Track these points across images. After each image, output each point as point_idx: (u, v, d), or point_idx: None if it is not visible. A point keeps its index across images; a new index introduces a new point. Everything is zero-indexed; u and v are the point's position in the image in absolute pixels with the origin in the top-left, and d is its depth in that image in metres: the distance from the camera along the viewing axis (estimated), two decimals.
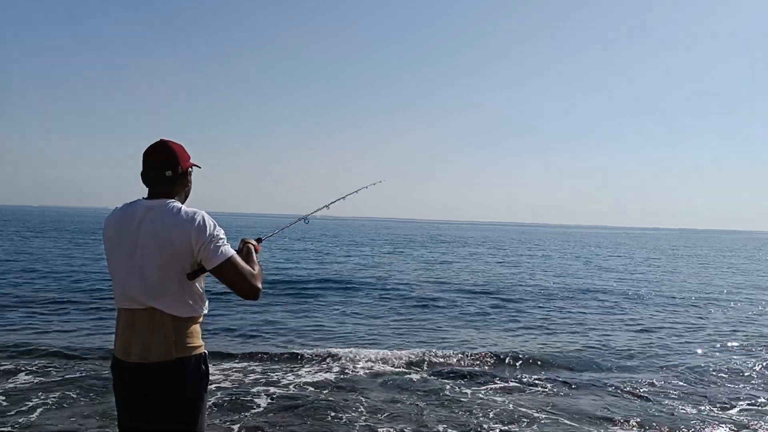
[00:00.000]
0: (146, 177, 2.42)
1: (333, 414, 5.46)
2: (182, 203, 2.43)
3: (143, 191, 2.46)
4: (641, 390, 6.61)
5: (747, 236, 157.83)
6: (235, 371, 6.89)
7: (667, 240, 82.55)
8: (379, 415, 5.43)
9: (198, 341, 2.39)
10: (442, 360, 7.80)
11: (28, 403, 5.53)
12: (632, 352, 8.75)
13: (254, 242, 2.65)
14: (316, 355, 7.72)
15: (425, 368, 7.38)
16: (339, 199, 3.85)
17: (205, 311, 2.43)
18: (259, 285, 2.38)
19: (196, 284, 2.38)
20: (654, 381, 7.02)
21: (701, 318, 12.29)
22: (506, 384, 6.72)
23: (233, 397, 5.84)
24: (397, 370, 7.26)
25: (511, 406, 5.91)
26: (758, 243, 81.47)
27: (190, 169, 2.51)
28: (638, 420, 5.56)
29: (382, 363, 7.50)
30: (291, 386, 6.34)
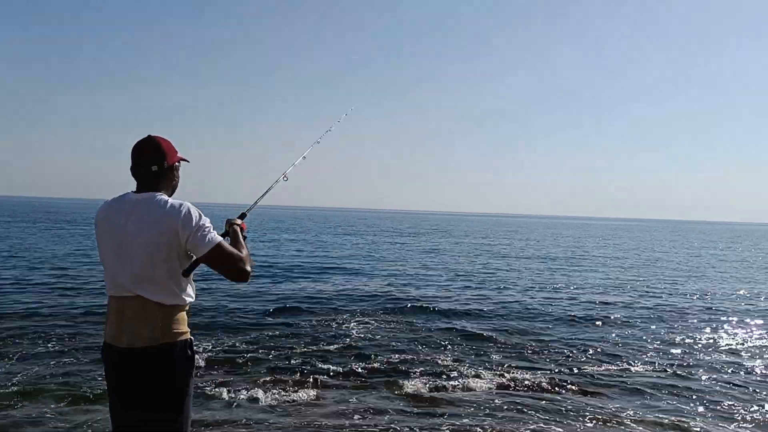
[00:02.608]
0: (134, 171, 2.53)
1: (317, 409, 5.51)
2: (169, 196, 2.54)
3: (132, 184, 2.58)
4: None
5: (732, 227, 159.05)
6: (221, 355, 7.00)
7: (655, 231, 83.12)
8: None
9: (184, 328, 2.50)
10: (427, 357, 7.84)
11: (25, 390, 5.67)
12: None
13: (239, 221, 2.73)
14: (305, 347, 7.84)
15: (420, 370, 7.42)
16: (314, 144, 3.72)
17: (192, 299, 2.54)
18: (248, 268, 2.47)
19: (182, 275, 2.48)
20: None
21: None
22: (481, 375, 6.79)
23: (217, 380, 6.00)
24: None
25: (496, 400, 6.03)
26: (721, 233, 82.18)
27: (177, 163, 2.61)
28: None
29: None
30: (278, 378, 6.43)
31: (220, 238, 2.46)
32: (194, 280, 2.58)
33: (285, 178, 3.40)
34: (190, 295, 2.53)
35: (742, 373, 7.20)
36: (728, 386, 6.58)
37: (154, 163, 2.50)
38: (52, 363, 6.58)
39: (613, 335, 9.26)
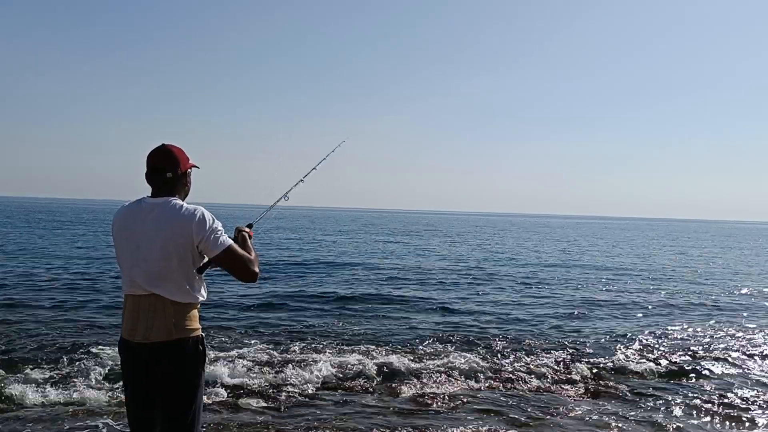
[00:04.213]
0: (150, 178, 2.69)
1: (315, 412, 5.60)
2: (183, 200, 2.70)
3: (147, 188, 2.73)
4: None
5: (724, 225, 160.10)
6: (216, 353, 7.10)
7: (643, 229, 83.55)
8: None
9: (196, 324, 2.67)
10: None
11: (39, 380, 5.88)
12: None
13: (247, 229, 2.92)
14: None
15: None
16: (311, 171, 3.89)
17: (204, 298, 2.70)
18: (257, 269, 2.67)
19: (196, 273, 2.64)
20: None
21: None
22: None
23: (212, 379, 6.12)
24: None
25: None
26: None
27: (189, 170, 2.78)
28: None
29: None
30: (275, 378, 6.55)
31: (231, 241, 2.63)
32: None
33: (286, 198, 3.64)
34: (202, 293, 2.69)
35: (743, 371, 7.23)
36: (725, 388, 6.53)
37: (168, 170, 2.66)
38: (73, 357, 6.82)
39: (610, 334, 9.39)
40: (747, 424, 5.45)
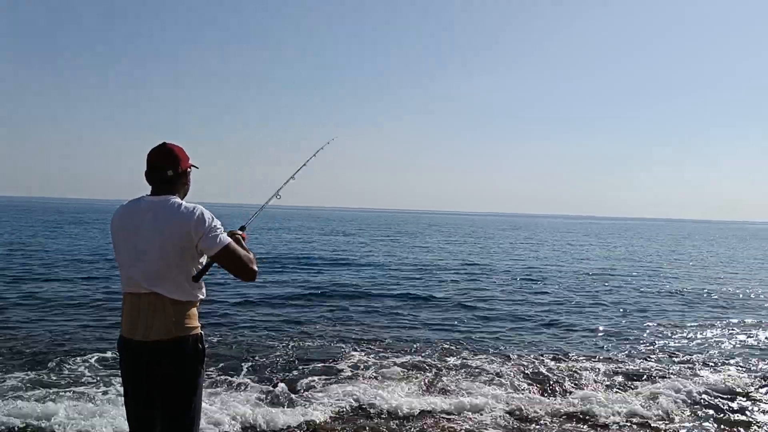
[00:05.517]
0: (150, 176, 2.68)
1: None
2: (182, 200, 2.69)
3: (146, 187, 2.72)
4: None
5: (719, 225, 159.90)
6: (227, 348, 7.10)
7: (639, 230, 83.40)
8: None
9: (195, 323, 2.66)
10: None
11: (37, 380, 5.87)
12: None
13: (240, 232, 2.90)
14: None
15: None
16: (301, 168, 3.81)
17: (203, 296, 2.70)
18: (255, 268, 2.66)
19: (195, 271, 2.64)
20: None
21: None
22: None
23: (227, 375, 6.11)
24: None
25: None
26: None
27: (189, 169, 2.77)
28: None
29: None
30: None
31: (229, 239, 2.62)
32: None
33: (278, 197, 3.60)
34: (202, 292, 2.69)
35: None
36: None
37: (169, 168, 2.65)
38: (72, 355, 6.82)
39: (610, 334, 9.38)
40: (749, 424, 5.43)
